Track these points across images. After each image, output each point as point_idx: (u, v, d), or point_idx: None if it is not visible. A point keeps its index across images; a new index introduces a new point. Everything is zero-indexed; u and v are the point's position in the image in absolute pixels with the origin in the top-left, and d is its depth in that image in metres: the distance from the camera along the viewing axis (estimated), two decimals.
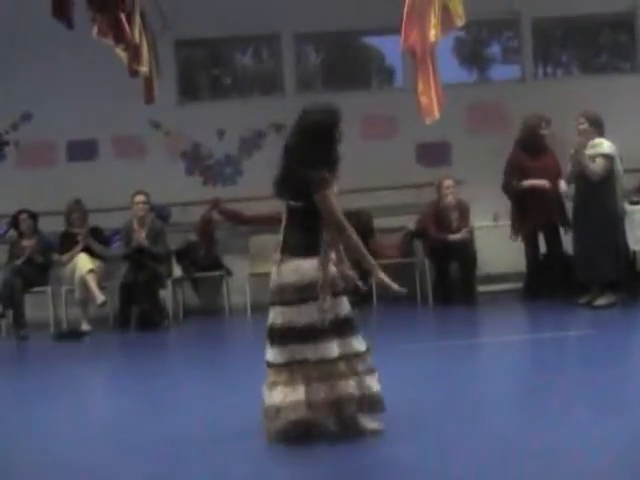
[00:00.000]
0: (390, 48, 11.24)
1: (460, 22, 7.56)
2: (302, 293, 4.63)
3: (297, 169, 4.69)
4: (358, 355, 4.73)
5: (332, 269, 4.72)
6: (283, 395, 4.66)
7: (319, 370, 4.63)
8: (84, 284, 9.99)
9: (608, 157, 8.94)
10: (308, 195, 4.65)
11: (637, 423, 4.70)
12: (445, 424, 4.87)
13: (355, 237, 4.71)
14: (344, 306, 4.75)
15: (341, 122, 4.77)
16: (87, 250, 10.31)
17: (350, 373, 4.68)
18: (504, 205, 10.28)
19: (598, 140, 9.03)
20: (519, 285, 10.45)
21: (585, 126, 9.07)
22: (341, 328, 4.69)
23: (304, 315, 4.63)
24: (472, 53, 12.83)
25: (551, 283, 9.88)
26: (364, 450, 4.49)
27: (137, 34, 8.78)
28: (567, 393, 5.59)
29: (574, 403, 5.30)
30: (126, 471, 4.44)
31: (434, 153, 11.48)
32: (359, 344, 4.73)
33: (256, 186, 10.97)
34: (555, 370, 6.46)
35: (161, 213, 10.87)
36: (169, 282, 10.44)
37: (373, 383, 4.70)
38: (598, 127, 9.09)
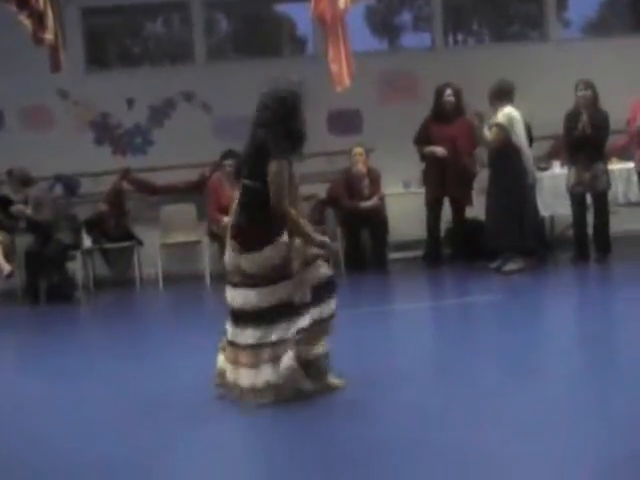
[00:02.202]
0: (301, 16, 11.15)
1: None
2: (267, 277, 4.66)
3: (263, 145, 4.66)
4: (325, 320, 4.79)
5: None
6: (248, 379, 4.70)
7: (286, 346, 4.66)
8: None
9: (500, 127, 9.05)
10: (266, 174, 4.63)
11: (545, 387, 4.84)
12: (365, 392, 4.92)
13: (295, 220, 4.70)
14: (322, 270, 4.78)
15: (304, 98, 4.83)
16: None
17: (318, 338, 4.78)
18: (414, 173, 10.37)
19: (503, 109, 9.12)
20: None
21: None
22: (319, 293, 4.74)
23: (273, 295, 4.67)
24: (383, 21, 12.84)
25: (457, 249, 10.07)
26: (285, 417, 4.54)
27: (41, 1, 8.57)
28: (480, 358, 5.72)
29: (487, 368, 5.44)
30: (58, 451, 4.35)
31: (345, 121, 11.49)
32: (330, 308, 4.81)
33: (166, 155, 10.97)
34: (467, 335, 6.60)
35: (69, 183, 10.68)
36: (79, 253, 10.28)
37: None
38: (500, 97, 9.17)
